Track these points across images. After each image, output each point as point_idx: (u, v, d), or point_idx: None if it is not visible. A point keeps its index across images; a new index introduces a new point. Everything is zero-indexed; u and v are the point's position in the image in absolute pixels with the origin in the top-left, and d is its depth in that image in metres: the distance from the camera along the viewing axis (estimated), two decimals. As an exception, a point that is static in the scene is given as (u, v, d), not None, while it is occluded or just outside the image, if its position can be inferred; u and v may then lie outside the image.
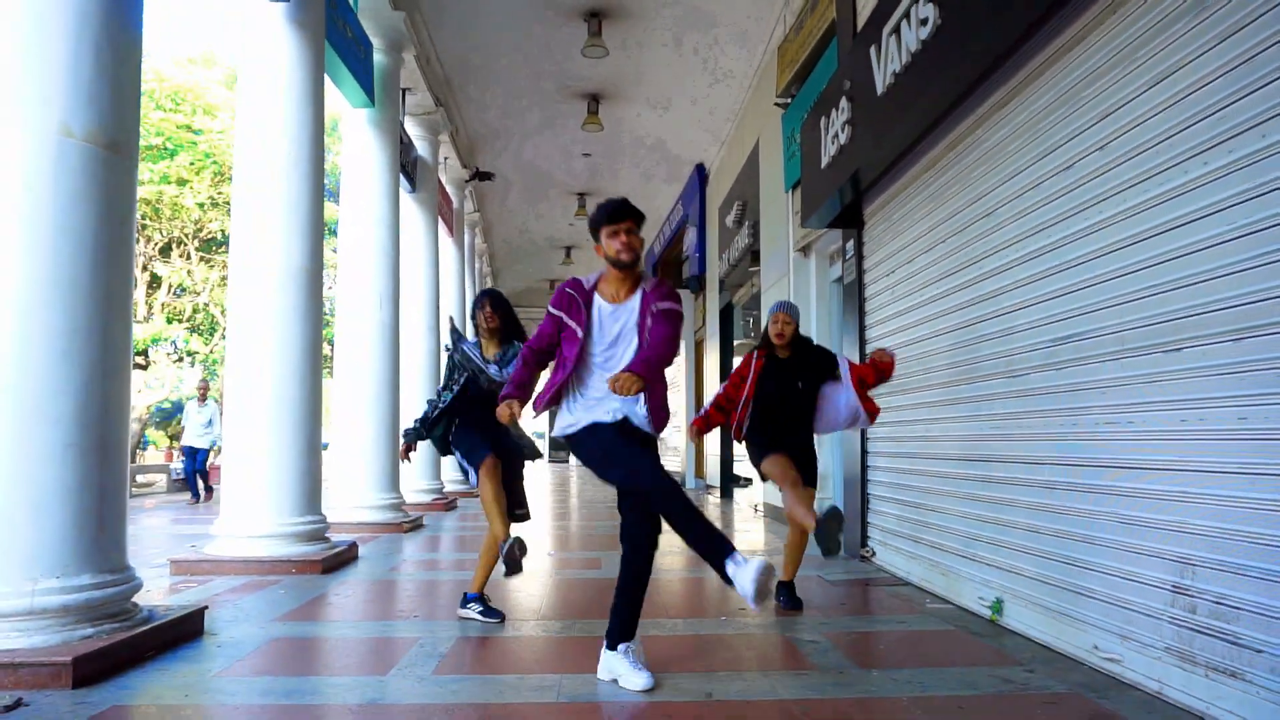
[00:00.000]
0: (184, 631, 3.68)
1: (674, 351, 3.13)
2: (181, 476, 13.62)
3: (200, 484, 12.49)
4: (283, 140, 5.78)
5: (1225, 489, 2.63)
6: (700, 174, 13.67)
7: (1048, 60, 3.67)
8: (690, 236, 14.54)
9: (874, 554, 5.86)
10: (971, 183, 4.43)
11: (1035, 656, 3.41)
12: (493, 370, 4.23)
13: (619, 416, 3.13)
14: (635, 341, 3.13)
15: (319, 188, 6.05)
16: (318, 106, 6.05)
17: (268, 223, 5.72)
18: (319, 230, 6.04)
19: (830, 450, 8.18)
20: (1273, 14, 2.49)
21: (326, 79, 7.57)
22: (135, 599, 3.62)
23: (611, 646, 3.09)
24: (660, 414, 3.19)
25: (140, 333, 16.62)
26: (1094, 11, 3.33)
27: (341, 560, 5.88)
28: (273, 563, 5.45)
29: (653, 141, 13.19)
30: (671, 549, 6.93)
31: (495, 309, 4.28)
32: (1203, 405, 2.74)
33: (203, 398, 12.34)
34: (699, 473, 14.96)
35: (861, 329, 6.13)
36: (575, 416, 3.19)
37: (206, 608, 3.93)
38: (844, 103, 5.52)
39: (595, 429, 3.14)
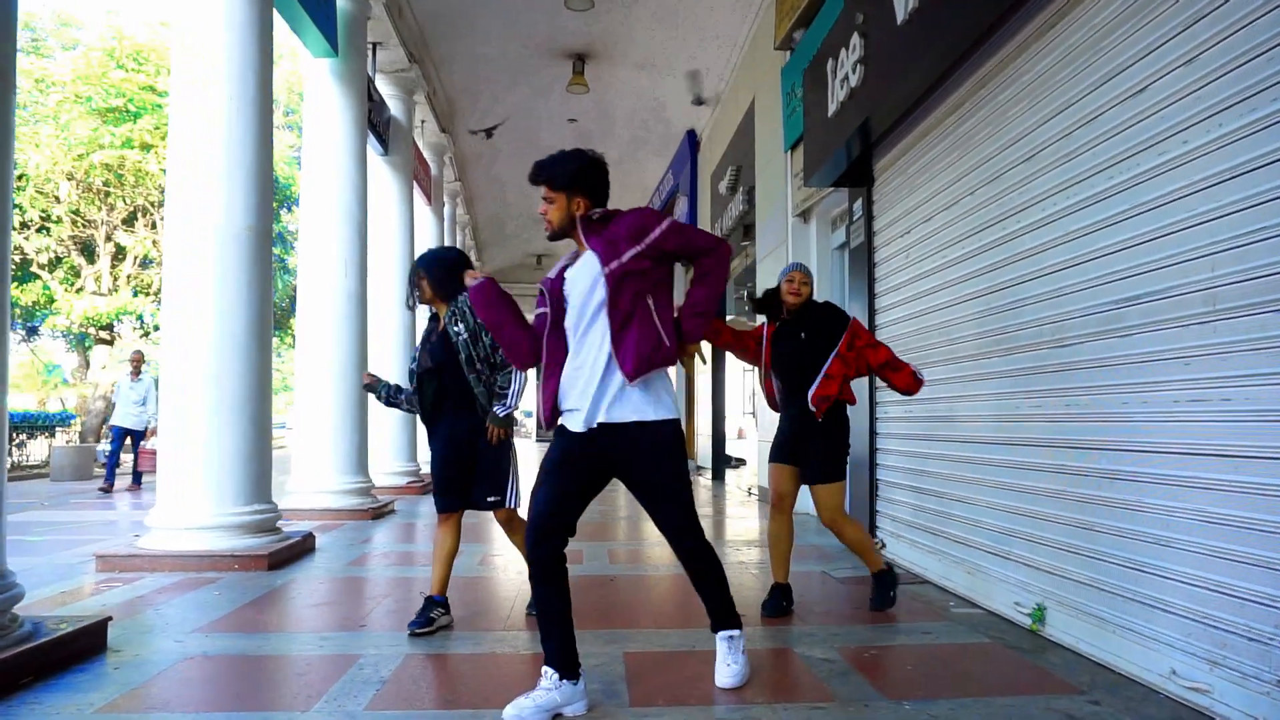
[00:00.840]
0: (78, 649, 3.08)
1: (718, 263, 2.69)
2: (104, 462, 11.77)
3: (133, 471, 11.20)
4: (223, 80, 5.11)
5: (1370, 485, 2.05)
6: (691, 140, 13.01)
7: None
8: (681, 207, 13.88)
9: (884, 546, 5.30)
10: (1008, 122, 3.81)
11: (1095, 681, 2.84)
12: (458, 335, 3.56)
13: (584, 425, 2.62)
14: (600, 302, 2.59)
15: (266, 137, 5.38)
16: (264, 42, 5.38)
17: (207, 174, 5.07)
18: (266, 185, 5.38)
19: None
20: None
21: (282, 23, 6.91)
22: (16, 610, 3.02)
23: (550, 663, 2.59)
24: (647, 357, 2.59)
25: (105, 306, 15.84)
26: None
27: (294, 553, 5.27)
28: (213, 558, 4.85)
29: (642, 106, 12.49)
30: (658, 541, 6.35)
31: (418, 280, 3.67)
32: (1335, 378, 2.15)
33: (136, 371, 10.62)
34: (689, 453, 14.39)
35: (871, 297, 5.53)
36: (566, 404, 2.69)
37: (110, 619, 3.32)
38: (855, 40, 4.88)
39: (561, 432, 2.69)
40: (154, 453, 11.77)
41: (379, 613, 3.92)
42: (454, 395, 3.62)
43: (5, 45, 3.05)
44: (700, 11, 9.47)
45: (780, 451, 3.90)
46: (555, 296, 2.72)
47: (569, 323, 2.68)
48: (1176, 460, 2.71)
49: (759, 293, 3.92)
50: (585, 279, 2.63)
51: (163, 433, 5.15)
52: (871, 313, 5.50)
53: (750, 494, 9.68)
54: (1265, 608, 2.34)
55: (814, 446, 3.77)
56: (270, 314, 5.47)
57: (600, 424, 2.59)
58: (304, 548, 5.50)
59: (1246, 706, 2.37)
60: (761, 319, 4.05)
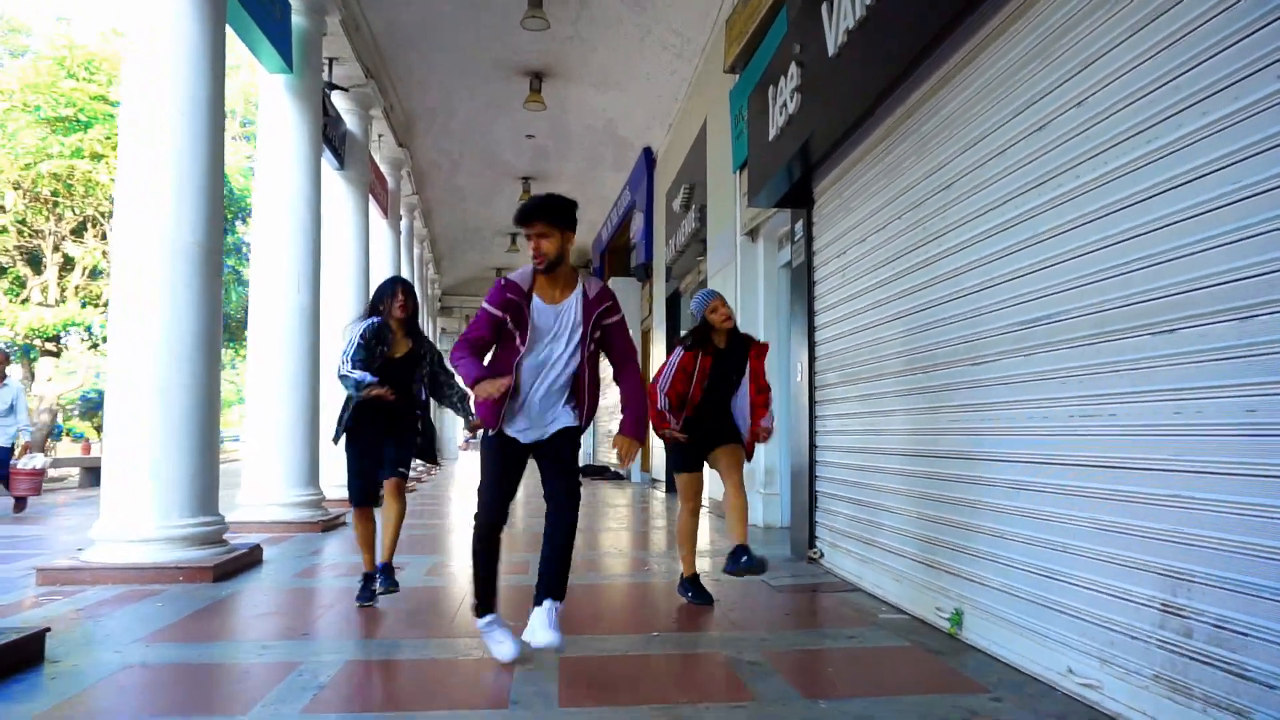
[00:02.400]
0: (14, 660, 3.10)
1: (640, 374, 3.33)
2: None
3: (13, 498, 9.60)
4: (174, 94, 5.16)
5: (1229, 493, 2.25)
6: (648, 158, 13.21)
7: (1023, 6, 3.26)
8: (637, 223, 14.09)
9: (822, 555, 5.48)
10: (929, 152, 4.02)
11: (1001, 680, 3.02)
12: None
13: (534, 438, 3.18)
14: (575, 343, 3.13)
15: (217, 151, 5.44)
16: (217, 60, 5.44)
17: (156, 189, 5.10)
18: (217, 201, 5.42)
19: (778, 443, 7.80)
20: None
21: (238, 41, 6.97)
22: (-46, 622, 3.05)
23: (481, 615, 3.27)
24: (592, 411, 3.28)
25: (51, 317, 15.55)
26: (1073, -51, 2.93)
27: (240, 565, 5.29)
28: (156, 570, 4.85)
29: (599, 123, 12.68)
30: (611, 550, 6.47)
31: (410, 297, 4.26)
32: (1200, 395, 2.36)
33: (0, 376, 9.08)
34: (644, 466, 14.52)
35: (810, 314, 5.72)
36: (516, 424, 3.18)
37: (48, 630, 3.35)
38: (793, 68, 5.09)
39: (502, 437, 3.18)
40: (33, 474, 9.98)
41: (324, 622, 3.98)
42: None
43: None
44: (656, 32, 9.67)
45: (694, 463, 4.42)
46: (517, 312, 3.08)
47: (536, 347, 3.11)
48: (1073, 472, 2.90)
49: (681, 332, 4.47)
50: (568, 315, 3.12)
51: (107, 444, 5.15)
52: (811, 329, 5.70)
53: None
54: (1146, 608, 2.53)
55: (731, 434, 4.41)
56: (219, 328, 5.50)
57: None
58: (251, 560, 5.52)
59: (1130, 700, 2.56)
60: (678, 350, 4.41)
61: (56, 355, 17.25)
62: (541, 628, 2.95)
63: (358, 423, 4.17)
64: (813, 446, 5.66)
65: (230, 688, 2.97)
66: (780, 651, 3.41)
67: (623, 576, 5.26)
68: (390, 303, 4.24)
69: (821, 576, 5.09)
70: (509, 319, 3.09)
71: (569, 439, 3.20)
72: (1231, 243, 2.25)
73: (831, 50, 4.48)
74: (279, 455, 7.46)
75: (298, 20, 7.86)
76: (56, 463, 15.50)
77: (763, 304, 8.01)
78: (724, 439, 4.40)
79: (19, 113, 14.60)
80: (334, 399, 7.32)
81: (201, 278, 5.22)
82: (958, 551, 3.70)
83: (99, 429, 33.32)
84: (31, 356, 17.94)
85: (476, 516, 3.21)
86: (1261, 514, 2.15)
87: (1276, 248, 2.12)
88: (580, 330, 3.12)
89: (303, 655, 3.35)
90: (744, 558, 4.19)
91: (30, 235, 16.37)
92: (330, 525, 7.61)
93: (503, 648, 3.16)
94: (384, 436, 4.26)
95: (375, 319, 4.24)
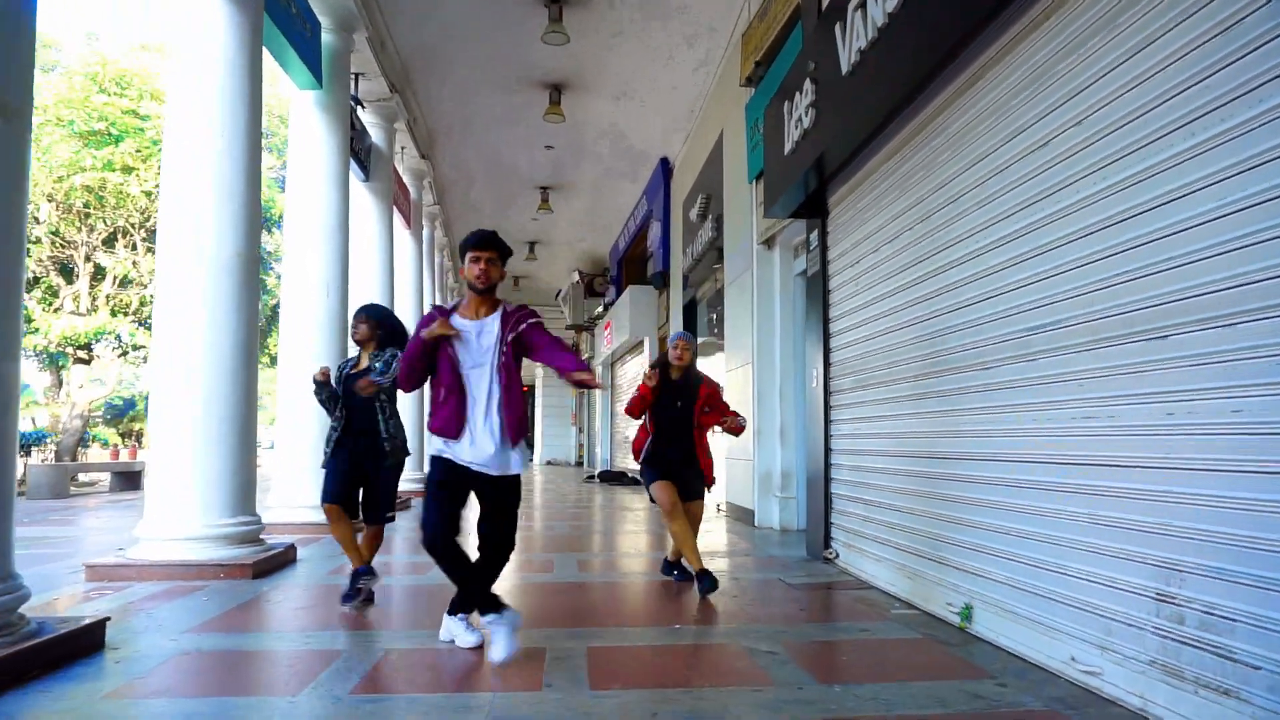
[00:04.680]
0: (80, 646, 3.33)
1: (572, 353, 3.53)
2: None
3: None
4: (216, 115, 5.41)
5: (1215, 488, 2.42)
6: (665, 168, 13.42)
7: (1021, 33, 3.45)
8: (654, 232, 14.29)
9: (837, 555, 5.64)
10: (937, 168, 4.21)
11: (1007, 668, 3.18)
12: (375, 375, 4.38)
13: (485, 470, 3.38)
14: (496, 352, 3.41)
15: (255, 168, 5.68)
16: (255, 82, 5.69)
17: (199, 207, 5.35)
18: (256, 215, 5.67)
19: (794, 447, 7.97)
20: (1270, -32, 2.28)
21: (271, 59, 7.23)
22: (24, 610, 3.27)
23: (452, 613, 3.53)
24: (520, 427, 3.48)
25: (83, 326, 15.92)
26: (1072, -22, 3.12)
27: (276, 563, 5.52)
28: (199, 567, 5.09)
29: (616, 134, 12.91)
30: (630, 552, 6.66)
31: (359, 321, 4.61)
32: (1190, 397, 2.53)
33: None
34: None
35: (825, 322, 5.90)
36: (463, 449, 3.38)
37: (108, 619, 3.57)
38: (808, 85, 5.28)
39: (450, 465, 3.39)
40: None
41: (366, 615, 4.19)
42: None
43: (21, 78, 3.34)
44: (673, 47, 9.89)
45: (666, 473, 4.88)
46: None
47: (465, 363, 3.40)
48: (1073, 470, 3.07)
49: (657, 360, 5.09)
50: (491, 329, 3.42)
51: (153, 447, 5.39)
52: (826, 336, 5.87)
53: (719, 510, 9.99)
54: (1141, 598, 2.69)
55: (698, 479, 4.99)
56: (256, 336, 5.74)
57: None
58: (286, 558, 5.75)
59: (1128, 684, 2.72)
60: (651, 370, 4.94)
61: (88, 363, 17.64)
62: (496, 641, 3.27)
63: (339, 443, 4.57)
64: (828, 450, 5.83)
65: (280, 671, 3.18)
66: (796, 642, 3.59)
67: (643, 575, 5.45)
68: (353, 330, 4.66)
69: (836, 575, 5.26)
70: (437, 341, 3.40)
71: (514, 489, 3.48)
72: (1218, 254, 2.42)
73: (845, 68, 4.67)
74: (309, 457, 7.66)
75: (327, 38, 8.13)
76: (84, 467, 15.87)
77: (779, 311, 8.18)
78: (689, 492, 4.93)
79: (53, 127, 14.99)
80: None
81: (241, 288, 5.46)
82: (966, 549, 3.87)
83: (124, 436, 33.89)
84: (61, 364, 18.36)
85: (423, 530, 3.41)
86: (1246, 507, 2.31)
87: (1257, 259, 2.29)
88: (500, 340, 3.41)
89: (343, 645, 3.56)
90: (705, 581, 4.62)
91: (63, 246, 16.77)
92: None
93: (470, 636, 3.49)
94: (364, 457, 4.56)
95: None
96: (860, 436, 5.32)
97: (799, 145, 5.59)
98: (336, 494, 4.51)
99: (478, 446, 3.35)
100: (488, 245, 3.44)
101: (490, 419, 3.37)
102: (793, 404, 8.06)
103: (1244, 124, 2.35)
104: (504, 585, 4.97)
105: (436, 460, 3.41)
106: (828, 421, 5.84)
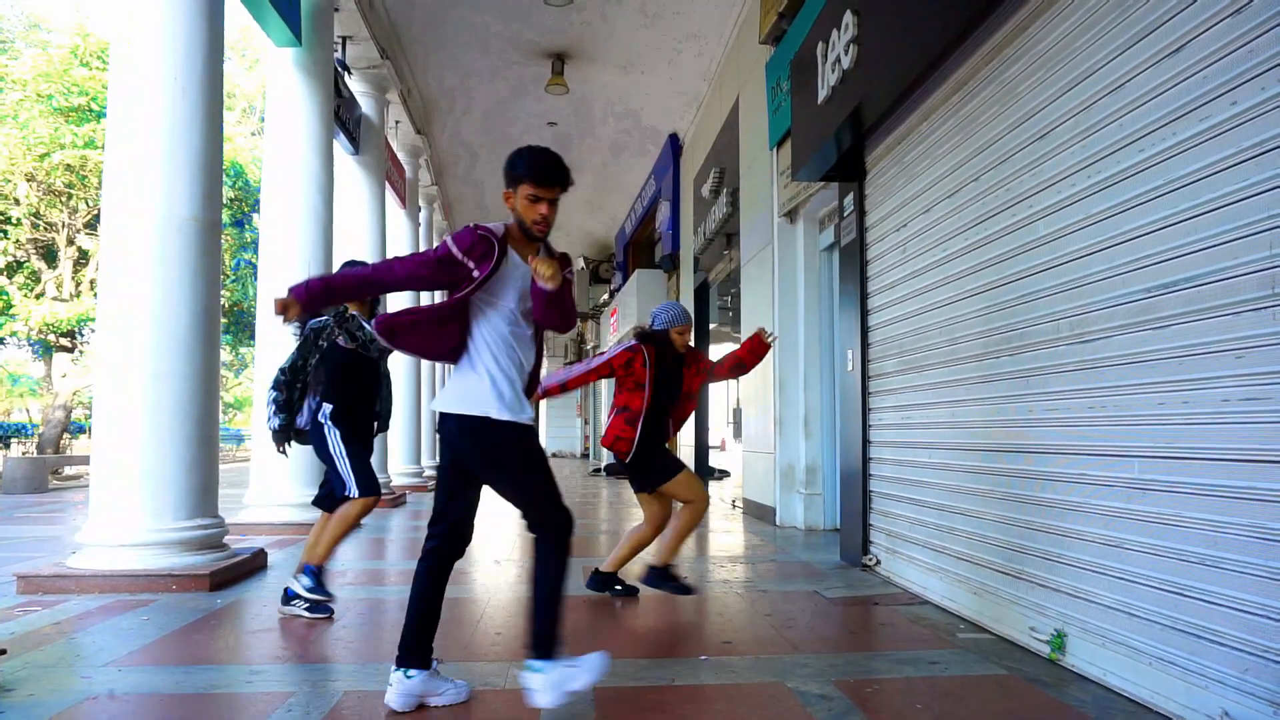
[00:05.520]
0: (-41, 689, 2.66)
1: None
2: None
3: None
4: (167, 56, 4.72)
5: None
6: (674, 145, 12.70)
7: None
8: (663, 212, 13.57)
9: (878, 563, 4.94)
10: (1018, 99, 3.48)
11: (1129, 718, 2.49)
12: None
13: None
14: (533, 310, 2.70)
15: (215, 120, 4.99)
16: (215, 20, 4.98)
17: (145, 159, 4.66)
18: (215, 173, 4.97)
19: (820, 438, 7.28)
20: None
21: (244, 10, 6.55)
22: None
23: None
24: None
25: (65, 312, 15.23)
26: None
27: (240, 572, 4.84)
28: (148, 578, 4.42)
29: (623, 109, 12.18)
30: (640, 558, 5.96)
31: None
32: None
33: None
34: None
35: (863, 298, 5.19)
36: (519, 404, 2.63)
37: (3, 652, 2.90)
38: (849, 18, 4.56)
39: (533, 434, 2.67)
40: None
41: (328, 639, 3.51)
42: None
43: None
44: (683, 9, 9.17)
45: (666, 468, 4.28)
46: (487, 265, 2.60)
47: (511, 313, 2.65)
48: (1225, 468, 2.36)
49: (647, 327, 4.37)
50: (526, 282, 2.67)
51: (96, 439, 4.72)
52: (864, 314, 5.17)
53: (735, 506, 9.31)
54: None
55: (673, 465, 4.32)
56: (218, 311, 5.06)
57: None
58: (253, 565, 5.07)
59: (1318, 756, 2.02)
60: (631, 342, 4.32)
61: (71, 351, 16.98)
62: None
63: (350, 423, 4.14)
64: (866, 442, 5.12)
65: (205, 725, 2.50)
66: (853, 681, 2.89)
67: (656, 590, 4.75)
68: None
69: (880, 587, 4.57)
70: (475, 264, 2.58)
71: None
72: None
73: (897, -10, 3.95)
74: (294, 449, 7.00)
75: (307, -9, 7.42)
76: (68, 460, 15.22)
77: (803, 290, 7.46)
78: (668, 472, 4.26)
79: (32, 103, 14.29)
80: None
81: (198, 256, 4.77)
82: (1055, 562, 3.17)
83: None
84: (43, 353, 17.73)
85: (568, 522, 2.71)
86: None
87: None
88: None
89: (295, 684, 2.88)
90: (669, 582, 4.31)
91: (44, 228, 16.08)
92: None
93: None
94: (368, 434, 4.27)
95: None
96: (907, 426, 4.62)
97: (835, 92, 4.86)
98: (376, 485, 4.10)
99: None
100: (555, 180, 2.61)
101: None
102: (819, 391, 7.35)
103: None
104: (500, 599, 4.28)
105: (532, 431, 2.67)
106: (865, 410, 5.13)
